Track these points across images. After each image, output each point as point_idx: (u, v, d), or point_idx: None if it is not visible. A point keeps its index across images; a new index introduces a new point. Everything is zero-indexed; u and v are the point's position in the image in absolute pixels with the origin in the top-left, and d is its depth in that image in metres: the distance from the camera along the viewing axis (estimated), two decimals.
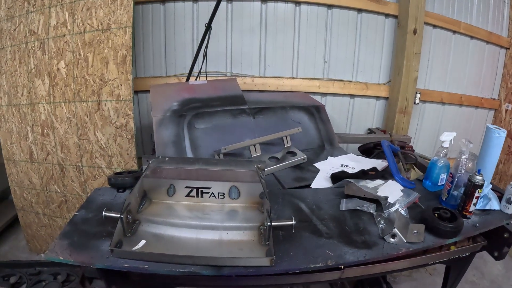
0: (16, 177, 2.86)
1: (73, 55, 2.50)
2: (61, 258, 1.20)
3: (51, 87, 2.56)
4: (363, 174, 1.91)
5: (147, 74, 3.23)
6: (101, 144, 2.59)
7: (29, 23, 2.55)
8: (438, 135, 3.81)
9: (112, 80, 2.47)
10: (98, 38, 2.45)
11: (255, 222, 1.46)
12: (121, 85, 2.47)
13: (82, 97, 2.53)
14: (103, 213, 1.30)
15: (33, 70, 2.58)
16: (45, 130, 2.65)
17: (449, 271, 1.86)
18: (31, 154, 2.74)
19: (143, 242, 1.28)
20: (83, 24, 2.46)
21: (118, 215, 1.26)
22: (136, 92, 3.18)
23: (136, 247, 1.25)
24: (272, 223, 1.27)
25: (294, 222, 1.31)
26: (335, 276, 1.44)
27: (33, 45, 2.55)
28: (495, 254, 1.68)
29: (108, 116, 2.53)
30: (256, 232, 1.41)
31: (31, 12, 2.53)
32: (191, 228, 1.42)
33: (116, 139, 2.56)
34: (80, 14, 2.46)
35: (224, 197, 1.57)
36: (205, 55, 2.78)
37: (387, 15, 3.36)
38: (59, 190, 2.77)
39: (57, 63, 2.53)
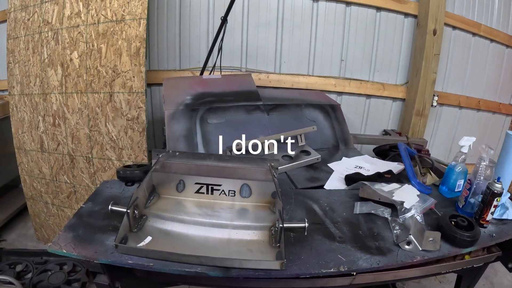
0: (26, 166, 2.86)
1: (86, 45, 2.47)
2: (64, 251, 1.18)
3: (63, 77, 2.55)
4: (379, 177, 1.85)
5: (160, 67, 3.20)
6: (112, 136, 2.56)
7: (43, 13, 2.53)
8: (454, 139, 3.75)
9: (125, 72, 2.45)
10: (112, 29, 2.42)
11: (266, 222, 1.41)
12: (133, 77, 2.44)
13: (94, 88, 2.51)
14: (110, 206, 1.27)
15: (46, 60, 2.56)
16: (57, 120, 2.63)
17: (461, 280, 1.79)
18: (42, 143, 2.73)
19: (149, 238, 1.25)
20: (97, 15, 2.43)
21: (125, 210, 1.22)
22: (149, 85, 3.16)
23: (142, 244, 1.22)
24: (284, 225, 1.22)
25: (307, 224, 1.26)
26: (345, 282, 1.38)
27: (46, 35, 2.54)
28: (510, 265, 1.62)
29: (120, 108, 2.50)
30: (266, 233, 1.37)
31: (46, 2, 2.51)
32: (199, 225, 1.38)
33: (127, 132, 2.54)
34: (94, 4, 2.43)
35: (235, 195, 1.54)
36: (220, 49, 2.74)
37: (406, 14, 3.29)
38: (68, 181, 2.76)
39: (70, 54, 2.51)
